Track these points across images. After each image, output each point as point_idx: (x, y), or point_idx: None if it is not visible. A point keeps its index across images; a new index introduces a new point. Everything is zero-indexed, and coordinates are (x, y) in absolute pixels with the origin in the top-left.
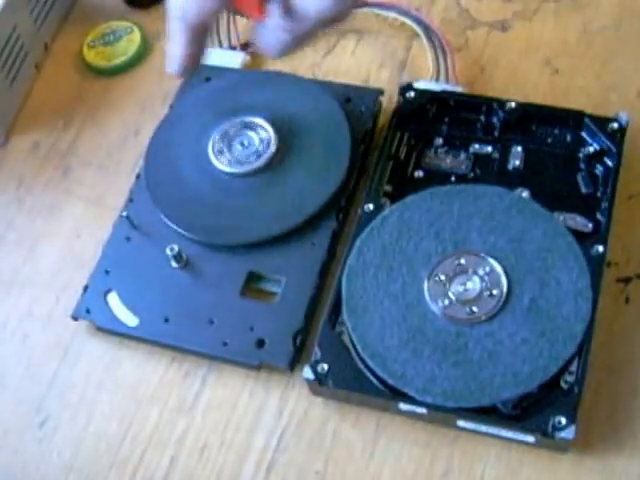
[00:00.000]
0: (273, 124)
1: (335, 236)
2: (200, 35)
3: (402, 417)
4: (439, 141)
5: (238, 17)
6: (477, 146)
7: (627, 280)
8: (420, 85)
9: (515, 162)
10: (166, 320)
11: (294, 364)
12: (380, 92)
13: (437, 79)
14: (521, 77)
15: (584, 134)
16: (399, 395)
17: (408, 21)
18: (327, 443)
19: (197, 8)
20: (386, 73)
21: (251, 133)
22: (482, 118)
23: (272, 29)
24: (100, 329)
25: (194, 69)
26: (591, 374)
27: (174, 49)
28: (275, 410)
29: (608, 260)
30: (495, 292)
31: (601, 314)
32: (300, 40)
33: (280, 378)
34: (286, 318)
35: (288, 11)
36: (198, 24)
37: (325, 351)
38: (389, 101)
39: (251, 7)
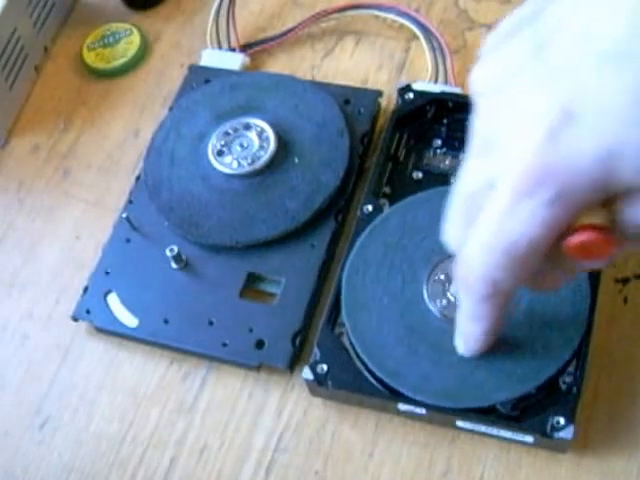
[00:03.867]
0: (272, 125)
1: (334, 237)
2: (507, 302)
3: (401, 417)
4: (438, 142)
5: (238, 18)
6: None
7: (625, 280)
8: (419, 86)
9: None
10: (166, 321)
11: (293, 365)
12: (379, 93)
13: (436, 80)
14: None
15: None
16: (398, 396)
17: (407, 22)
18: (326, 443)
19: (516, 273)
20: (385, 74)
21: (250, 134)
22: None
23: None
24: (100, 330)
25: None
26: (590, 374)
27: (477, 328)
28: (274, 411)
29: None
30: None
31: (599, 314)
32: None
33: (279, 379)
34: (285, 319)
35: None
36: (510, 291)
37: (324, 352)
38: (388, 102)
39: (601, 245)
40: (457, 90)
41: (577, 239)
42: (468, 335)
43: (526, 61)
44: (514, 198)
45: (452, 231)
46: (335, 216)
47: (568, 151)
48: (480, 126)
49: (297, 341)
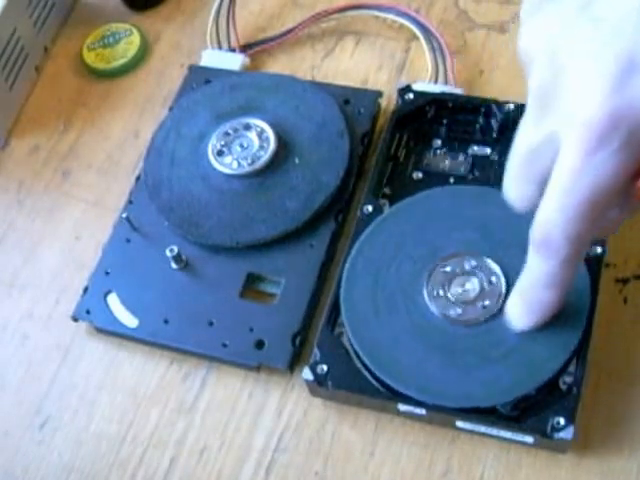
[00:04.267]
0: (272, 126)
1: (334, 237)
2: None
3: (401, 418)
4: (438, 142)
5: (238, 18)
6: (476, 147)
7: (625, 281)
8: (419, 87)
9: None
10: (166, 321)
11: (293, 365)
12: (379, 94)
13: (436, 81)
14: (520, 79)
15: None
16: (398, 396)
17: (407, 23)
18: (326, 444)
19: (599, 224)
20: (385, 75)
21: (250, 135)
22: (480, 120)
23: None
24: (100, 330)
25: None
26: (590, 375)
27: (552, 294)
28: (274, 411)
29: (606, 261)
30: (494, 293)
31: (599, 315)
32: None
33: (279, 379)
34: (285, 319)
35: None
36: (584, 247)
37: (324, 352)
38: (388, 103)
39: None
40: (457, 90)
41: None
42: (539, 305)
43: (573, 19)
44: (586, 151)
45: (515, 189)
46: (335, 216)
47: (634, 97)
48: (535, 85)
49: (297, 341)
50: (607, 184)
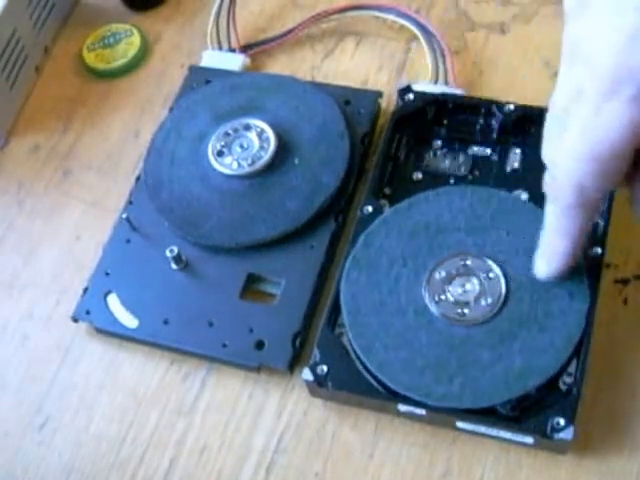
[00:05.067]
0: (272, 126)
1: (334, 238)
2: (592, 216)
3: (401, 418)
4: (438, 143)
5: (238, 19)
6: (476, 148)
7: (625, 281)
8: (419, 87)
9: (514, 164)
10: (166, 322)
11: (293, 366)
12: (379, 94)
13: (436, 81)
14: (520, 79)
15: None
16: (398, 396)
17: (407, 23)
18: (326, 444)
19: (602, 179)
20: (385, 75)
21: (250, 135)
22: (481, 120)
23: None
24: (100, 331)
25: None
26: (590, 375)
27: (561, 243)
28: (274, 412)
29: (607, 261)
30: (494, 293)
31: (599, 315)
32: None
33: (279, 380)
34: (285, 320)
35: None
36: (596, 201)
37: (324, 353)
38: (388, 103)
39: None
40: (457, 91)
41: None
42: (552, 252)
43: None
44: (598, 99)
45: (548, 147)
46: (335, 217)
47: None
48: (566, 40)
49: (297, 342)
50: (615, 136)
